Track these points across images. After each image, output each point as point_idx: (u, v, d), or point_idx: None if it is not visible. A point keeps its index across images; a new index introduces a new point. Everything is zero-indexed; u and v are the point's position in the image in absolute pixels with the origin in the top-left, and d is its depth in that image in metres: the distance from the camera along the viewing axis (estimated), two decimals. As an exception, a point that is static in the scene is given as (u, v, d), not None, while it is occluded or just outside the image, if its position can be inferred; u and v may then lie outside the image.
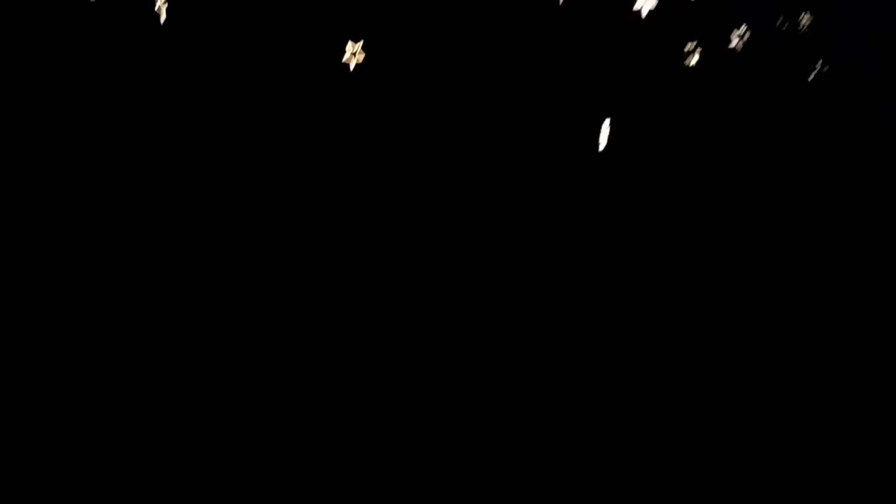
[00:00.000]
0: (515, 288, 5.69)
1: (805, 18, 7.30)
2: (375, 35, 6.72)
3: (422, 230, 5.91)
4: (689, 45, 7.31)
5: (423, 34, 7.40)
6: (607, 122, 6.11)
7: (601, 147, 6.12)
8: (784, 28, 7.43)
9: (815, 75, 6.84)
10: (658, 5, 6.49)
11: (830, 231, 6.11)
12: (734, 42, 7.55)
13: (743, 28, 7.37)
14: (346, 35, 6.41)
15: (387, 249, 5.80)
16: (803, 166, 6.60)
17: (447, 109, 6.67)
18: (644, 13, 6.32)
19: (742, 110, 6.92)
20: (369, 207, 6.15)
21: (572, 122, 6.48)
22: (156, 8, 6.81)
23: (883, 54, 6.59)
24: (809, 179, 6.52)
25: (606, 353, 5.44)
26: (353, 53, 6.30)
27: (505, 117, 6.67)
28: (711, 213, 6.25)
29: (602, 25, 7.14)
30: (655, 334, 5.52)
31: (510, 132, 6.45)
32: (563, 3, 8.08)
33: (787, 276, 5.84)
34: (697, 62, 7.31)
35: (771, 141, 6.74)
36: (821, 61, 6.79)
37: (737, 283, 5.83)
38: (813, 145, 6.62)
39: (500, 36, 7.49)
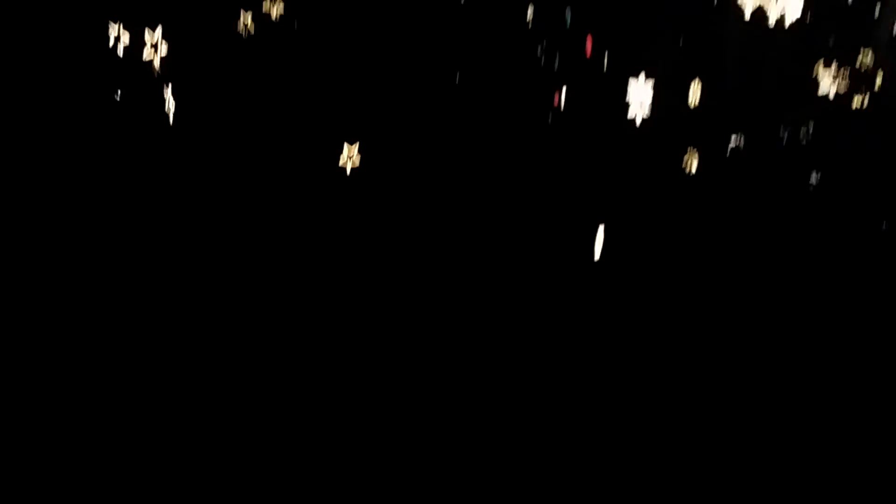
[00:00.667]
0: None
1: (805, 129, 7.36)
2: (373, 137, 6.85)
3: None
4: (689, 151, 7.37)
5: (421, 143, 7.55)
6: (601, 228, 6.13)
7: (596, 256, 6.11)
8: (784, 136, 7.48)
9: (812, 186, 6.84)
10: (654, 113, 6.57)
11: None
12: (733, 148, 7.61)
13: (741, 134, 7.43)
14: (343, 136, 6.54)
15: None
16: (801, 271, 6.53)
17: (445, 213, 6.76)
18: (638, 122, 6.38)
19: (742, 215, 6.92)
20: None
21: (570, 229, 6.50)
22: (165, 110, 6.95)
23: (876, 164, 6.59)
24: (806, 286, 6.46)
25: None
26: (350, 157, 6.41)
27: (503, 224, 6.73)
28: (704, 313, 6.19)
29: (597, 135, 7.23)
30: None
31: (507, 242, 6.50)
32: (563, 108, 8.21)
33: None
34: (697, 167, 7.36)
35: (770, 247, 6.70)
36: (817, 173, 6.79)
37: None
38: (811, 254, 6.58)
39: (497, 145, 7.62)
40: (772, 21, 6.77)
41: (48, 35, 6.31)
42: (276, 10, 8.50)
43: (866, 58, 7.15)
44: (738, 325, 5.87)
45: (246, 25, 8.34)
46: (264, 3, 8.32)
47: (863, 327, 5.70)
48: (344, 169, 6.32)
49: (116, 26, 5.95)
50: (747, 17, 6.94)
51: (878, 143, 6.50)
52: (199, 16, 7.61)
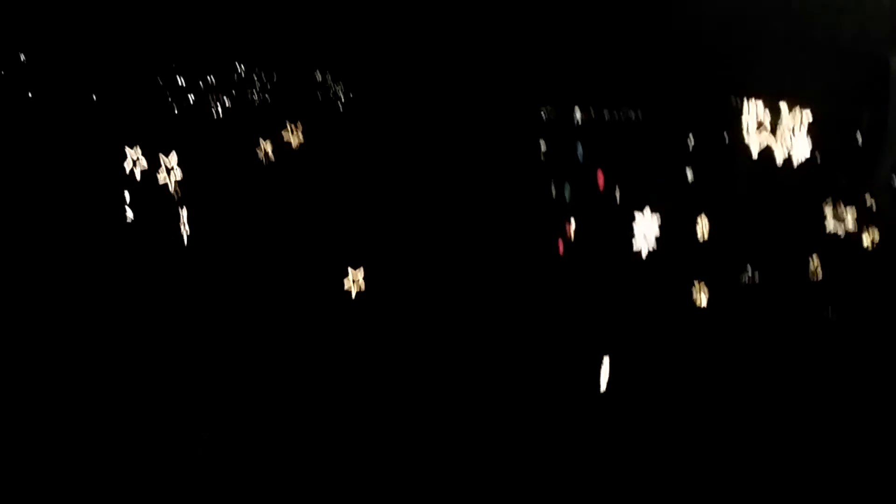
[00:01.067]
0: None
1: (815, 263, 7.34)
2: (378, 261, 6.93)
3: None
4: (697, 284, 7.34)
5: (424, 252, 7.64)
6: (606, 359, 6.05)
7: (602, 388, 6.01)
8: (794, 270, 7.45)
9: (827, 320, 6.73)
10: (659, 244, 6.59)
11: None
12: (743, 281, 7.57)
13: (749, 269, 7.41)
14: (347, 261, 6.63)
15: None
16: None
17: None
18: (644, 254, 6.39)
19: (753, 350, 6.81)
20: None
21: (576, 360, 6.44)
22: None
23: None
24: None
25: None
26: (355, 281, 6.45)
27: (511, 352, 6.69)
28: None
29: (607, 266, 7.26)
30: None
31: (515, 370, 6.45)
32: (574, 238, 8.27)
33: None
34: (707, 302, 7.31)
35: (782, 381, 6.56)
36: (830, 308, 6.70)
37: None
38: (823, 388, 6.43)
39: (509, 274, 7.68)
40: (779, 160, 6.89)
41: (65, 155, 6.55)
42: (296, 139, 8.78)
43: (873, 197, 7.19)
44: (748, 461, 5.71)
45: (266, 152, 8.60)
46: (284, 131, 8.60)
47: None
48: (349, 292, 6.36)
49: (134, 150, 6.18)
50: (755, 156, 7.07)
51: (886, 279, 6.46)
52: (218, 142, 7.85)
